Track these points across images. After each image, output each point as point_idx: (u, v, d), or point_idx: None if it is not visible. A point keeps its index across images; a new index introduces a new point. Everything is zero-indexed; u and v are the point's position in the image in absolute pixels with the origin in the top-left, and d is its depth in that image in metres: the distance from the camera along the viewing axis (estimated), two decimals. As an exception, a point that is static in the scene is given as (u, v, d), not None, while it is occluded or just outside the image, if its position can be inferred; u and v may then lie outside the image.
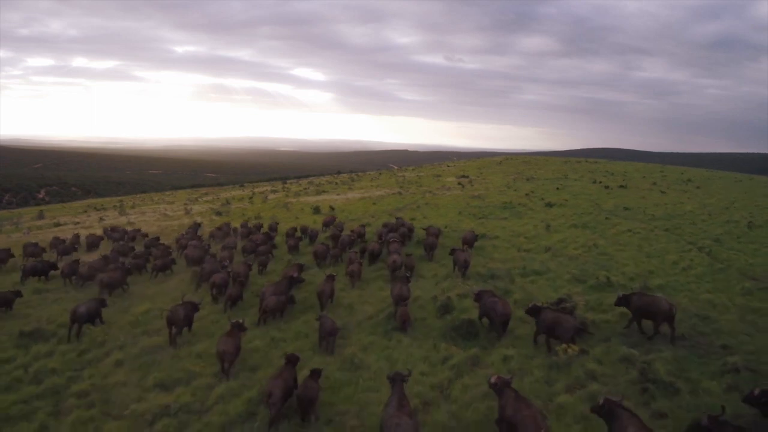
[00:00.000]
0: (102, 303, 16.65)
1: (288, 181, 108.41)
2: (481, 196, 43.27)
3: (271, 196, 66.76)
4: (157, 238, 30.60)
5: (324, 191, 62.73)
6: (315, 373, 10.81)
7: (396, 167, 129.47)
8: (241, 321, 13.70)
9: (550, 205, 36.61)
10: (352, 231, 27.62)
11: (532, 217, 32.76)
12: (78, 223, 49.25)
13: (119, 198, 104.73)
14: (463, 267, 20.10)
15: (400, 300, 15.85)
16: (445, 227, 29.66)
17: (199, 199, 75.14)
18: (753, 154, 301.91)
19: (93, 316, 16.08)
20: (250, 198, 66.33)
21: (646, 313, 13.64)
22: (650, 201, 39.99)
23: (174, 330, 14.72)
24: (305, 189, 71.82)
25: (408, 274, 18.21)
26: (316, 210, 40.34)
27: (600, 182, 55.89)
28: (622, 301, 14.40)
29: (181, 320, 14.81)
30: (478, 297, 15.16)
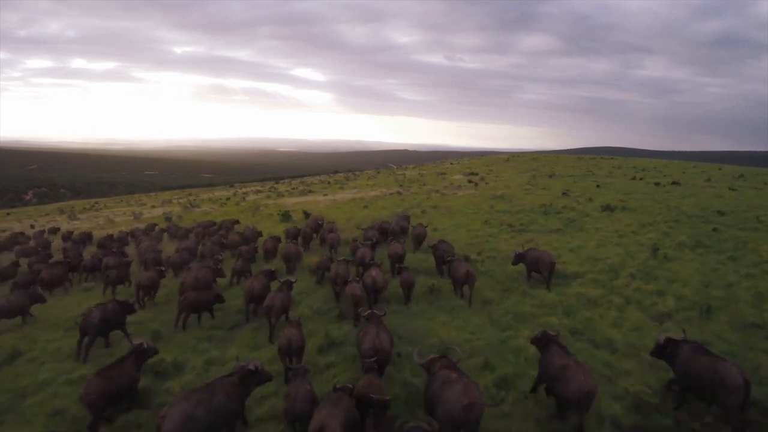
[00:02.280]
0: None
1: (281, 181, 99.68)
2: (505, 196, 32.82)
3: (252, 197, 56.94)
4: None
5: (311, 191, 52.35)
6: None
7: (395, 166, 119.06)
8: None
9: (609, 208, 25.99)
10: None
11: (600, 229, 22.44)
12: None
13: (95, 200, 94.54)
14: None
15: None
16: (479, 253, 19.07)
17: (173, 200, 65.64)
18: (754, 152, 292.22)
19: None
20: (228, 199, 56.66)
21: None
22: (733, 201, 29.35)
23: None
24: (294, 189, 61.67)
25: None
26: (286, 217, 29.97)
27: (640, 178, 45.39)
28: None
29: (95, 326, 12.13)
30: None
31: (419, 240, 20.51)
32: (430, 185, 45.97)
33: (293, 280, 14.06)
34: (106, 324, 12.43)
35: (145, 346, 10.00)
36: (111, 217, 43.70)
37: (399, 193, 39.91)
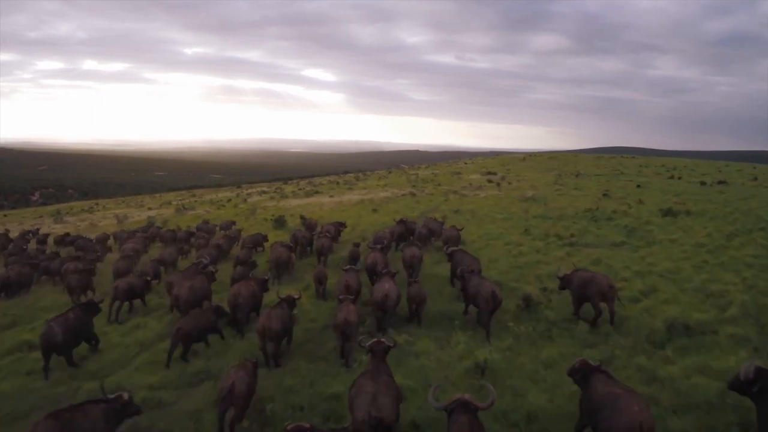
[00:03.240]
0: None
1: (290, 182, 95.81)
2: (537, 198, 28.35)
3: (255, 198, 52.93)
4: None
5: (317, 192, 48.15)
6: None
7: (407, 167, 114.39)
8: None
9: (671, 213, 21.30)
10: None
11: (675, 241, 17.47)
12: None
13: (97, 201, 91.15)
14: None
15: None
16: (543, 289, 13.44)
17: (173, 202, 61.81)
18: (765, 151, 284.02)
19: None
20: (229, 200, 52.69)
21: None
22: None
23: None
24: (301, 189, 57.53)
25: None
26: (280, 222, 25.74)
27: (678, 177, 40.68)
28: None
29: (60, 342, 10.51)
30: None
31: (409, 265, 16.03)
32: (446, 185, 41.59)
33: (296, 296, 11.45)
34: (72, 338, 10.79)
35: (126, 398, 7.45)
36: (95, 221, 39.76)
37: (412, 194, 35.56)
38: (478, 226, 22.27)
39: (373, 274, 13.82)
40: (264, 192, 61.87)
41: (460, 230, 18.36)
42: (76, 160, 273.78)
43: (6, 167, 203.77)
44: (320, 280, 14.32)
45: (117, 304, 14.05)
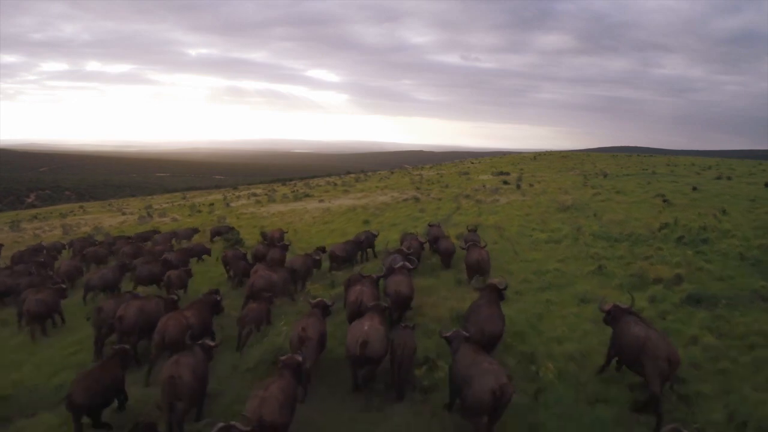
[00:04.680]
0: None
1: (288, 183, 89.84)
2: (578, 206, 21.87)
3: (240, 202, 46.94)
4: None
5: (309, 195, 41.93)
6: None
7: (410, 167, 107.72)
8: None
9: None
10: None
11: None
12: None
13: (81, 204, 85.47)
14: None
15: None
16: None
17: (155, 206, 55.80)
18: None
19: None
20: (212, 204, 46.63)
21: None
22: None
23: None
24: (294, 192, 51.39)
25: None
26: (229, 240, 19.47)
27: (728, 177, 34.10)
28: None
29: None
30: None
31: (475, 270, 13.37)
32: (454, 187, 35.25)
33: (212, 343, 9.12)
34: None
35: None
36: (44, 230, 33.64)
37: (416, 198, 29.16)
38: (515, 255, 15.78)
39: (359, 311, 10.38)
40: (254, 195, 55.75)
41: (485, 248, 13.49)
42: (78, 162, 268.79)
43: (6, 169, 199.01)
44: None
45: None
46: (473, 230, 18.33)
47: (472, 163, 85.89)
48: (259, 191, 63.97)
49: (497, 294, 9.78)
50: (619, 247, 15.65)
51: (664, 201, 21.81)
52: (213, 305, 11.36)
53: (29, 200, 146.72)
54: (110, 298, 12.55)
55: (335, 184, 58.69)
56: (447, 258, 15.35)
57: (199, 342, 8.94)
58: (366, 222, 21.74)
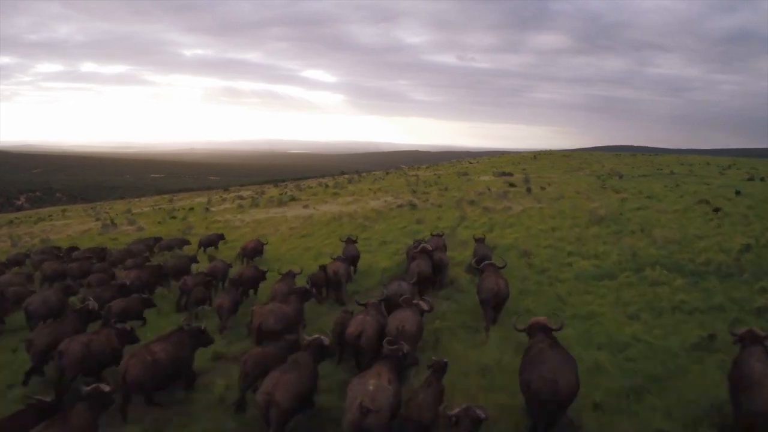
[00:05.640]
0: None
1: (280, 184, 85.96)
2: (613, 218, 17.63)
3: (222, 206, 42.85)
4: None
5: (294, 199, 37.74)
6: None
7: (406, 167, 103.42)
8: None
9: None
10: None
11: None
12: None
13: (64, 207, 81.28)
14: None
15: None
16: None
17: (133, 211, 51.61)
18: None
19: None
20: (191, 209, 42.50)
21: None
22: None
23: None
24: (282, 194, 47.26)
25: None
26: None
27: (761, 178, 30.06)
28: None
29: None
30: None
31: (491, 304, 10.61)
32: (454, 190, 31.14)
33: (106, 388, 7.18)
34: None
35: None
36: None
37: (412, 205, 24.93)
38: (559, 302, 11.37)
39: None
40: (241, 198, 51.53)
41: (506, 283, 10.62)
42: (74, 163, 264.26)
43: (1, 171, 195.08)
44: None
45: None
46: (481, 240, 14.66)
47: (470, 163, 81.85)
48: (247, 194, 59.83)
49: (552, 335, 7.53)
50: (708, 288, 10.98)
51: (715, 210, 17.72)
52: (193, 337, 9.04)
53: (18, 202, 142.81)
54: (46, 327, 10.25)
55: (327, 186, 54.61)
56: (439, 274, 12.99)
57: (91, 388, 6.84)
58: (351, 241, 17.59)
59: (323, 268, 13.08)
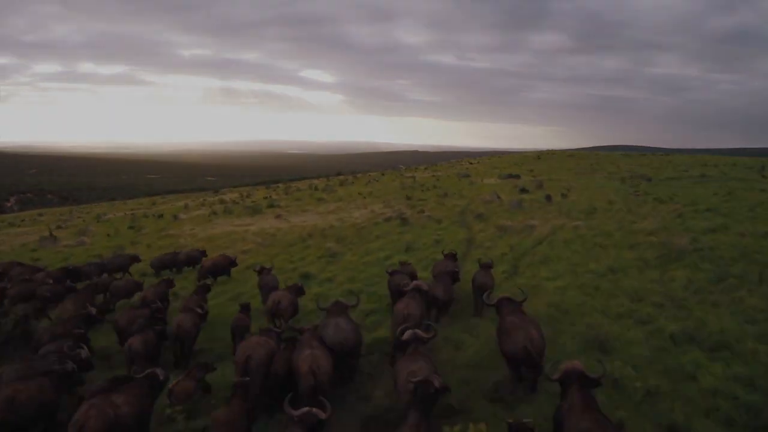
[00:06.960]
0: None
1: (271, 186, 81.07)
2: (696, 248, 12.17)
3: (196, 212, 37.89)
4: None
5: (272, 206, 32.57)
6: None
7: (404, 168, 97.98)
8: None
9: None
10: None
11: None
12: None
13: (40, 211, 76.16)
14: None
15: None
16: None
17: (108, 215, 46.57)
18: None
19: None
20: (161, 216, 37.40)
21: None
22: None
23: None
24: (265, 199, 42.16)
25: None
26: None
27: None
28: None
29: None
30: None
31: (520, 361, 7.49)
32: (456, 197, 25.93)
33: None
34: None
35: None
36: None
37: (403, 218, 19.51)
38: None
39: None
40: (222, 202, 46.33)
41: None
42: (70, 164, 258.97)
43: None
44: None
45: None
46: (488, 266, 10.61)
47: (471, 163, 76.69)
48: (231, 197, 54.65)
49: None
50: None
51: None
52: (152, 387, 7.18)
53: (8, 204, 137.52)
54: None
55: (316, 188, 49.51)
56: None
57: None
58: (304, 276, 12.32)
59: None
